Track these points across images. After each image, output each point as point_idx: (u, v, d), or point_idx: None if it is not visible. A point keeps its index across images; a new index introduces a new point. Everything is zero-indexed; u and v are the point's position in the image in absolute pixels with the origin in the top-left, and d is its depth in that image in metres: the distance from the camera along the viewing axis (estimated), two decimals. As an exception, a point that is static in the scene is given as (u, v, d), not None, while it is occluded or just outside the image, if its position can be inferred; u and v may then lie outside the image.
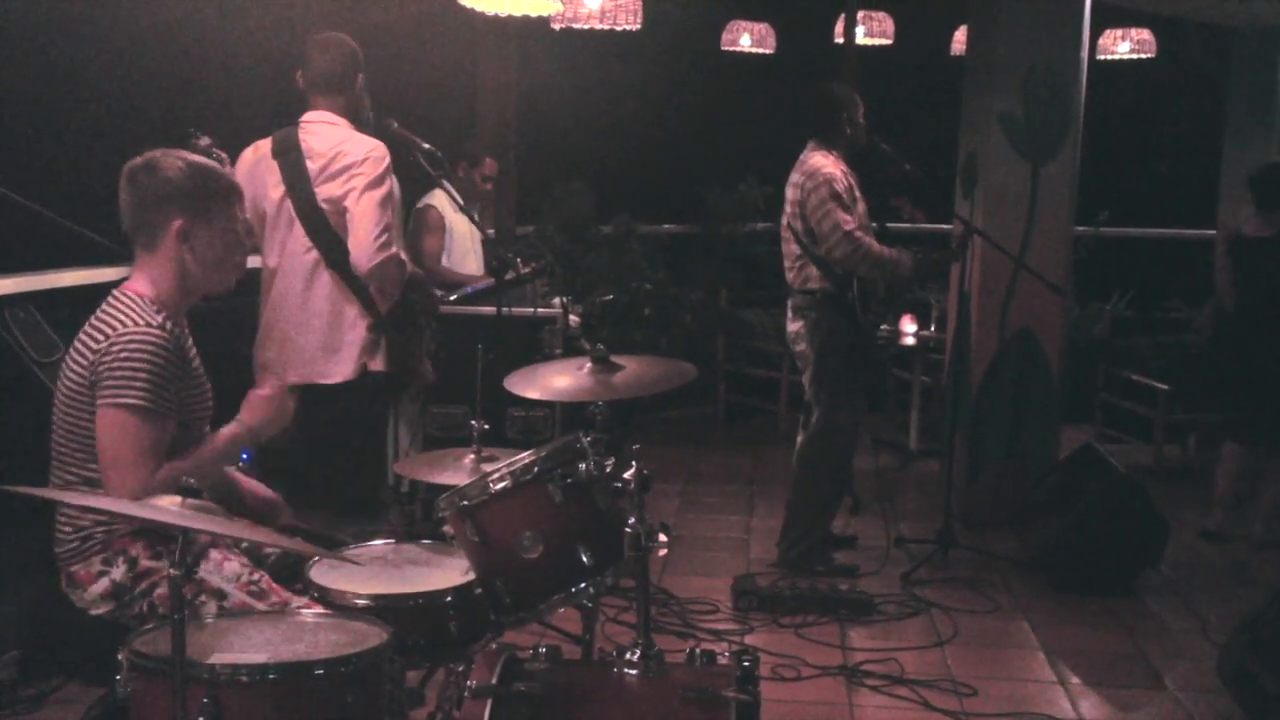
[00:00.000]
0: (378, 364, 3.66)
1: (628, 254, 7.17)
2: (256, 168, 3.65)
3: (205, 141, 3.43)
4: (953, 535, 5.08)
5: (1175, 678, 4.04)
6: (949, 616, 4.48)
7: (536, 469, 2.47)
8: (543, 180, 7.40)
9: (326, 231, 3.57)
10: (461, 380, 4.60)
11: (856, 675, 3.92)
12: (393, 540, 2.81)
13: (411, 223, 5.52)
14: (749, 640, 4.20)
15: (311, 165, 3.57)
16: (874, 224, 5.03)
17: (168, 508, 1.97)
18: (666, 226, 7.88)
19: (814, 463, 4.88)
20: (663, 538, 2.41)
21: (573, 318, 4.99)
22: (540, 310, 4.81)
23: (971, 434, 5.71)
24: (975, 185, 5.68)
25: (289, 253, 3.63)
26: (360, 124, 3.72)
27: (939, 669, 4.01)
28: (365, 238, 3.49)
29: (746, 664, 2.41)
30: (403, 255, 3.66)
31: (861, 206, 4.87)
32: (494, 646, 2.50)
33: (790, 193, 4.89)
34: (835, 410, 4.83)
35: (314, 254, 3.59)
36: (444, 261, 5.54)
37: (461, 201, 5.49)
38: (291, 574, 2.60)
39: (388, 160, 3.60)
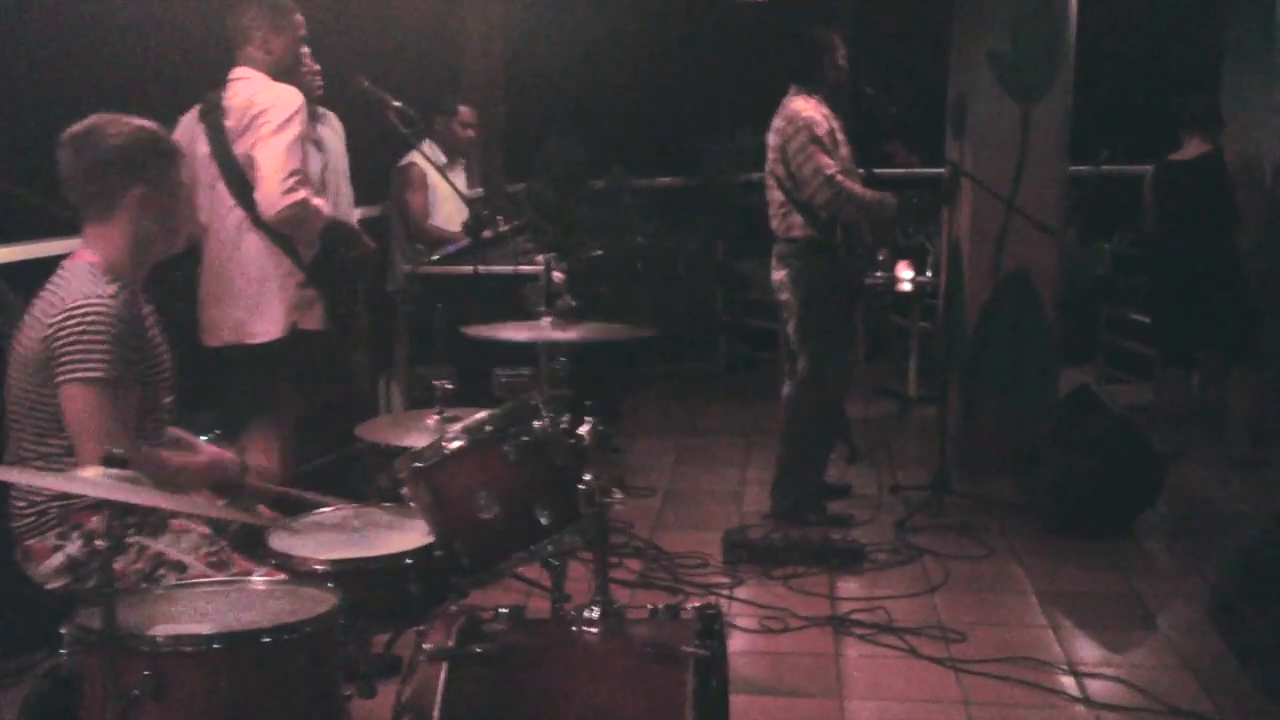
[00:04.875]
0: (311, 322, 3.65)
1: (620, 208, 7.10)
2: (187, 130, 3.66)
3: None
4: (948, 482, 5.05)
5: (1168, 618, 4.01)
6: (941, 563, 4.45)
7: (491, 428, 2.44)
8: (533, 135, 7.32)
9: (249, 189, 3.57)
10: (448, 340, 4.59)
11: (844, 625, 3.90)
12: (355, 504, 2.79)
13: (394, 181, 5.48)
14: (738, 593, 4.19)
15: (229, 123, 3.60)
16: (860, 169, 4.96)
17: (91, 479, 1.95)
18: (661, 179, 7.80)
19: (803, 412, 4.84)
20: (617, 494, 2.37)
21: (557, 274, 4.94)
22: (523, 267, 4.78)
23: (968, 379, 5.65)
24: (965, 127, 5.59)
25: (216, 213, 3.65)
26: (287, 76, 3.68)
27: (928, 616, 3.99)
28: (270, 183, 3.49)
29: (708, 618, 2.39)
30: (316, 202, 3.61)
31: (845, 151, 4.81)
32: (454, 608, 2.49)
33: (772, 139, 4.82)
34: (822, 359, 4.78)
35: (239, 212, 3.61)
36: (432, 219, 5.50)
37: (442, 160, 5.46)
38: (256, 542, 2.58)
39: (296, 106, 3.57)
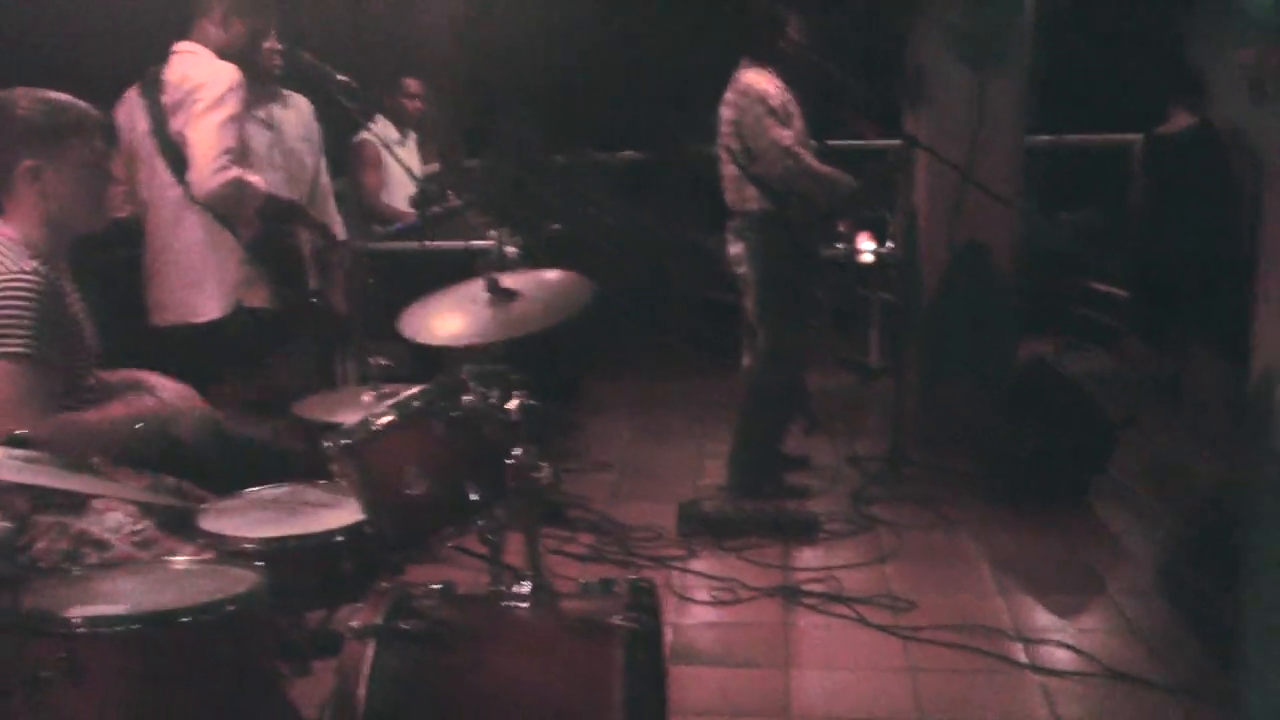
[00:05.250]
0: (256, 300, 3.62)
1: (581, 183, 7.06)
2: (130, 105, 3.63)
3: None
4: (904, 452, 5.06)
5: (1117, 582, 4.04)
6: (895, 533, 4.46)
7: (420, 404, 2.43)
8: (492, 110, 7.27)
9: (185, 166, 3.53)
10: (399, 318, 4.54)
11: (794, 595, 3.91)
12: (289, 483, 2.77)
13: (349, 159, 5.44)
14: (691, 565, 4.19)
15: (165, 99, 3.56)
16: (814, 142, 4.95)
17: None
18: (623, 153, 7.75)
19: (761, 386, 4.84)
20: (545, 468, 2.36)
21: (510, 249, 4.91)
22: (474, 243, 4.74)
23: (926, 350, 5.66)
24: (922, 98, 5.57)
25: (156, 190, 3.62)
26: (238, 59, 3.64)
27: (879, 585, 4.00)
28: (201, 161, 3.46)
29: (641, 591, 2.38)
30: (250, 179, 3.58)
31: (798, 124, 4.79)
32: (387, 585, 2.48)
33: (725, 112, 4.81)
34: (780, 333, 4.78)
35: (178, 189, 3.57)
36: (387, 197, 5.46)
37: (395, 136, 5.42)
38: (183, 522, 2.56)
39: (230, 83, 3.54)
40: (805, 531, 4.43)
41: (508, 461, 2.34)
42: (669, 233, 7.36)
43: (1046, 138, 7.63)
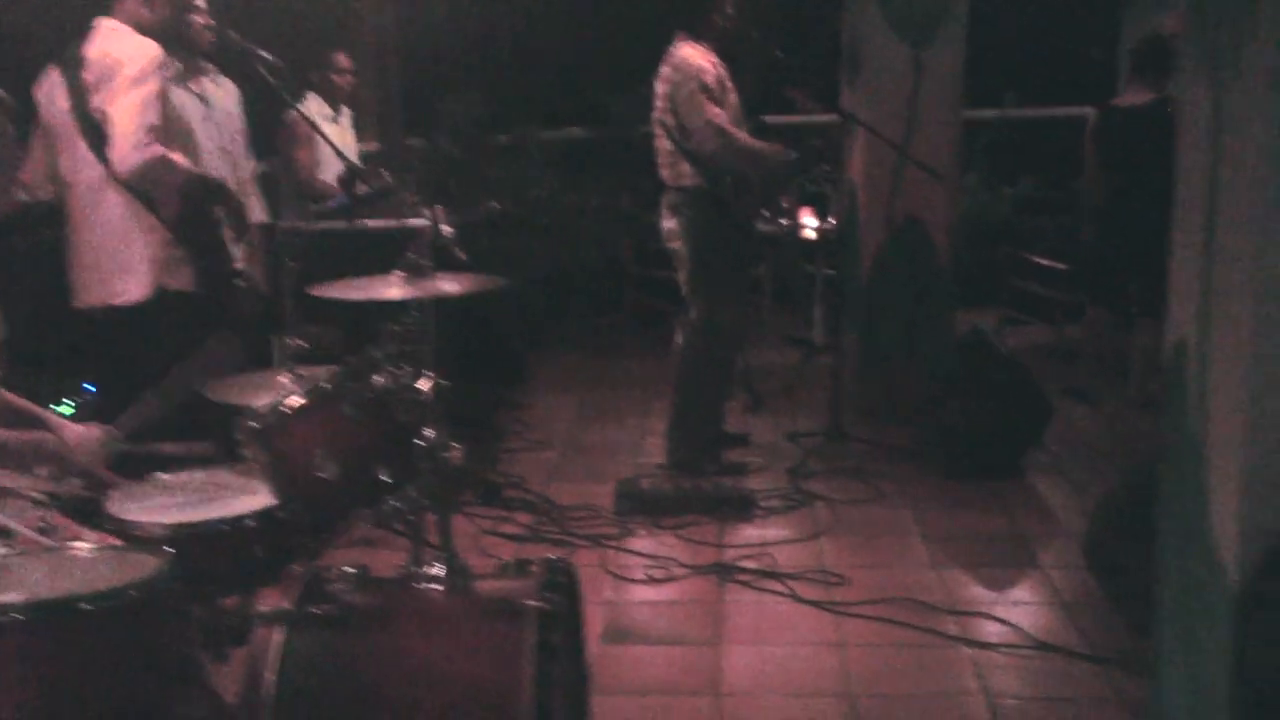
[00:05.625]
0: (180, 282, 3.56)
1: (525, 162, 7.02)
2: (50, 83, 3.55)
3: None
4: (843, 427, 5.07)
5: (1049, 555, 4.08)
6: (831, 508, 4.47)
7: (330, 386, 2.40)
8: (435, 89, 7.20)
9: (106, 144, 3.46)
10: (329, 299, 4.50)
11: (728, 572, 3.91)
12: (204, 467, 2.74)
13: (281, 137, 5.36)
14: (627, 543, 4.18)
15: (87, 76, 3.49)
16: (764, 118, 4.94)
17: None
18: (568, 131, 7.71)
19: (695, 362, 4.83)
20: (455, 449, 2.34)
21: (445, 228, 4.87)
22: (408, 222, 4.69)
23: (866, 326, 5.67)
24: (859, 73, 5.57)
25: (77, 169, 3.56)
26: (153, 30, 3.57)
27: (813, 560, 4.01)
28: (121, 139, 3.40)
29: (556, 570, 2.37)
30: (173, 157, 3.53)
31: (733, 99, 4.78)
32: (300, 569, 2.45)
33: (660, 87, 4.79)
34: (714, 309, 4.77)
35: (99, 168, 3.50)
36: (321, 175, 5.39)
37: (329, 113, 5.34)
38: (91, 509, 2.52)
39: (153, 60, 3.48)
40: (742, 508, 4.43)
41: (417, 442, 2.31)
42: (613, 210, 7.33)
43: (991, 111, 7.67)
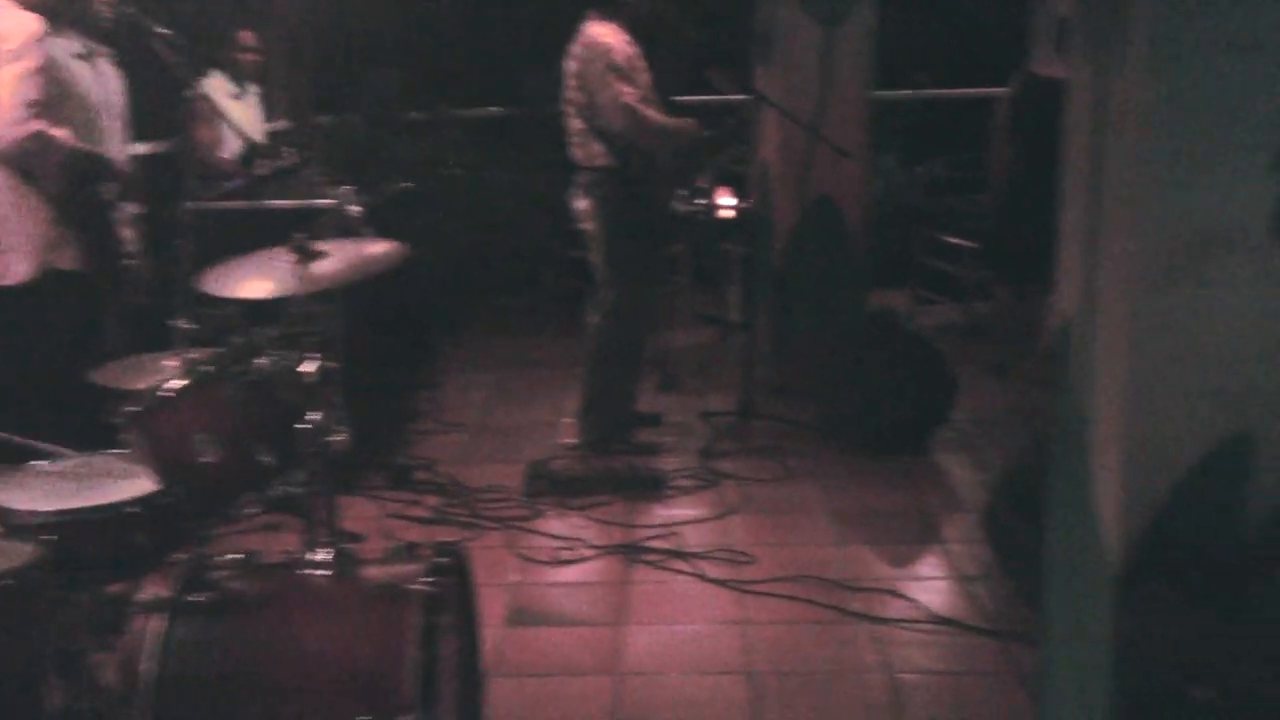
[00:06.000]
0: (66, 262, 3.48)
1: (437, 140, 6.94)
2: None
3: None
4: (753, 406, 5.09)
5: (951, 531, 4.13)
6: (740, 487, 4.49)
7: (211, 369, 2.35)
8: (352, 66, 7.10)
9: None
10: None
11: (635, 553, 3.91)
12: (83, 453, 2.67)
13: (182, 115, 5.25)
14: (536, 524, 4.17)
15: None
16: (678, 98, 4.92)
17: None
18: (484, 110, 7.63)
19: (606, 342, 4.81)
20: (340, 433, 2.31)
21: (352, 208, 4.80)
22: (313, 202, 4.62)
23: (779, 304, 5.70)
24: (770, 53, 5.58)
25: None
26: (36, 4, 3.47)
27: (721, 539, 4.03)
28: (1, 115, 3.30)
29: (445, 553, 2.35)
30: (54, 133, 3.44)
31: (645, 78, 4.75)
32: (186, 556, 2.41)
33: (571, 65, 4.75)
34: (626, 289, 4.75)
35: None
36: (227, 153, 5.29)
37: (234, 90, 5.23)
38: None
39: (33, 34, 3.39)
40: (651, 488, 4.44)
41: (300, 425, 2.27)
42: (528, 189, 7.28)
43: (904, 92, 7.73)
